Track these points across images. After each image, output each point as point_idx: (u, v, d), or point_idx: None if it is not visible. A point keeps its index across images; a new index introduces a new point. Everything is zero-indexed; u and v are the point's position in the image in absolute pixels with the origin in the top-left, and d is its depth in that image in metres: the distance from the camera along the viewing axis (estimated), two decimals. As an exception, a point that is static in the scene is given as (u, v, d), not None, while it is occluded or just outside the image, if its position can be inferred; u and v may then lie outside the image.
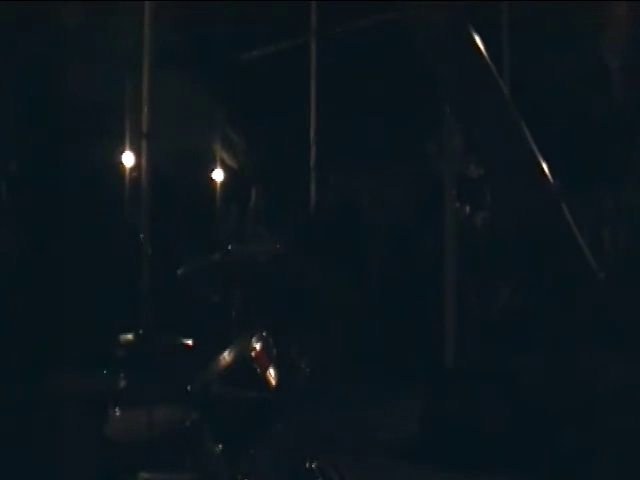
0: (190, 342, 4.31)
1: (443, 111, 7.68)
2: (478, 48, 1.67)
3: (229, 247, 4.25)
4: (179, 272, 4.30)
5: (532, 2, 9.25)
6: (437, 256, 8.39)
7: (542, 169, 1.73)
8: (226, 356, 3.98)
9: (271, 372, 3.98)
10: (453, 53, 1.66)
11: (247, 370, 3.92)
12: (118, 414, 3.88)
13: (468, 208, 10.16)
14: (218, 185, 11.82)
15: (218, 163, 11.81)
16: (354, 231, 10.65)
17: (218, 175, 11.80)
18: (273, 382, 3.97)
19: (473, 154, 7.80)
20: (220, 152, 11.82)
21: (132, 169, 10.24)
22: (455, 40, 1.65)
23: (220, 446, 3.79)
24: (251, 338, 4.04)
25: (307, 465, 3.92)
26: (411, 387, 7.36)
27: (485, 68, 1.65)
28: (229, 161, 11.97)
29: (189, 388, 3.86)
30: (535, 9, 9.14)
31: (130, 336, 4.25)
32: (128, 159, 10.37)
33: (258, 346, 4.01)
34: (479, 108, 1.69)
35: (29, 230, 8.26)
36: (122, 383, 4.07)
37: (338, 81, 10.99)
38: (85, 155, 9.06)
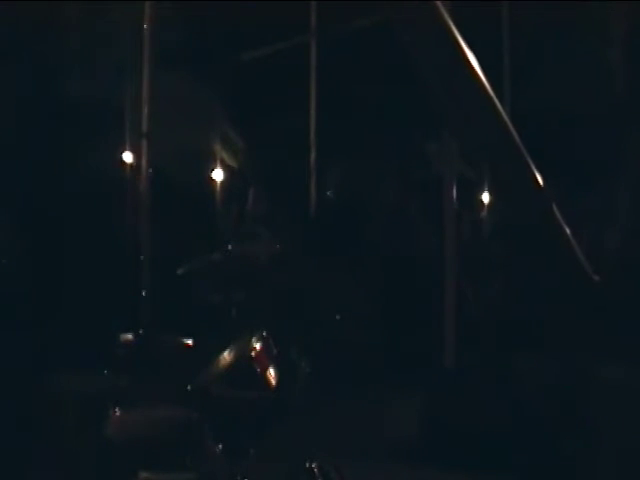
0: (190, 342, 4.31)
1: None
2: (463, 50, 1.66)
3: (229, 247, 4.25)
4: (179, 272, 4.30)
5: (532, 2, 9.25)
6: (437, 256, 8.40)
7: (534, 173, 1.73)
8: (226, 356, 3.98)
9: (271, 372, 3.98)
10: (437, 55, 1.66)
11: (247, 370, 3.92)
12: (118, 414, 3.88)
13: (467, 208, 10.16)
14: (218, 185, 11.82)
15: (218, 163, 11.80)
16: (354, 231, 10.65)
17: (218, 175, 11.81)
18: (273, 382, 3.97)
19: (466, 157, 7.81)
20: (220, 152, 11.81)
21: (132, 169, 10.23)
22: (440, 42, 1.65)
23: (220, 446, 3.80)
24: (251, 338, 4.04)
25: (307, 465, 3.92)
26: (411, 387, 7.35)
27: (472, 73, 1.65)
28: (229, 161, 11.97)
29: (189, 388, 3.86)
30: (535, 9, 9.15)
31: (130, 336, 4.25)
32: (128, 159, 10.37)
33: (258, 346, 4.01)
34: (467, 113, 1.69)
35: (29, 230, 8.26)
36: (122, 383, 4.07)
37: (338, 81, 10.99)
38: (85, 155, 9.06)
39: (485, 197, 10.60)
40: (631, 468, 5.14)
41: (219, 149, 11.78)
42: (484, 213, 10.66)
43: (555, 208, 1.75)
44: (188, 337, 4.34)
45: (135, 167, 9.86)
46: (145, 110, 8.35)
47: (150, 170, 8.60)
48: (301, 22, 11.23)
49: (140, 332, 4.27)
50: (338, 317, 8.97)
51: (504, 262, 8.72)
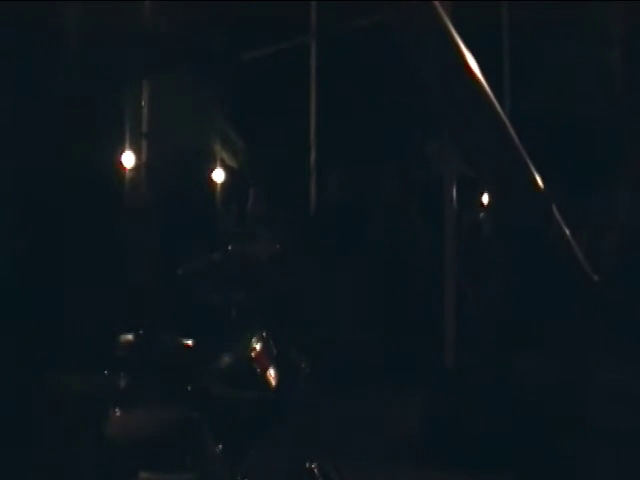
0: (190, 342, 4.31)
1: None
2: (460, 51, 1.66)
3: (229, 247, 4.25)
4: (179, 272, 4.30)
5: (532, 2, 9.25)
6: (437, 256, 8.40)
7: (533, 173, 1.73)
8: (226, 356, 3.98)
9: (271, 372, 3.98)
10: (436, 55, 1.66)
11: (247, 370, 3.92)
12: (118, 414, 3.88)
13: (467, 208, 10.16)
14: (218, 185, 11.81)
15: (218, 163, 11.80)
16: (354, 231, 10.65)
17: (218, 175, 11.80)
18: (273, 382, 3.97)
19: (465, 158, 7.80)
20: (220, 152, 11.80)
21: (132, 169, 10.23)
22: (438, 42, 1.64)
23: (220, 446, 3.79)
24: (251, 338, 4.04)
25: (307, 465, 3.92)
26: (411, 387, 7.35)
27: (470, 74, 1.65)
28: (229, 161, 11.96)
29: (189, 388, 3.86)
30: (535, 9, 9.14)
31: (130, 336, 4.25)
32: (128, 159, 10.36)
33: (258, 346, 4.01)
34: (466, 113, 1.69)
35: (29, 230, 8.26)
36: (122, 383, 4.07)
37: (338, 81, 10.99)
38: (85, 155, 9.06)
39: (485, 197, 10.59)
40: (631, 468, 5.14)
41: (219, 149, 11.77)
42: (484, 213, 10.65)
43: (555, 209, 1.75)
44: (188, 337, 4.34)
45: (135, 167, 9.86)
46: (145, 110, 8.35)
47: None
48: (301, 22, 11.23)
49: (140, 332, 4.27)
50: None
51: (504, 262, 8.72)
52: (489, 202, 10.36)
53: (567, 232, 1.82)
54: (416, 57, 1.72)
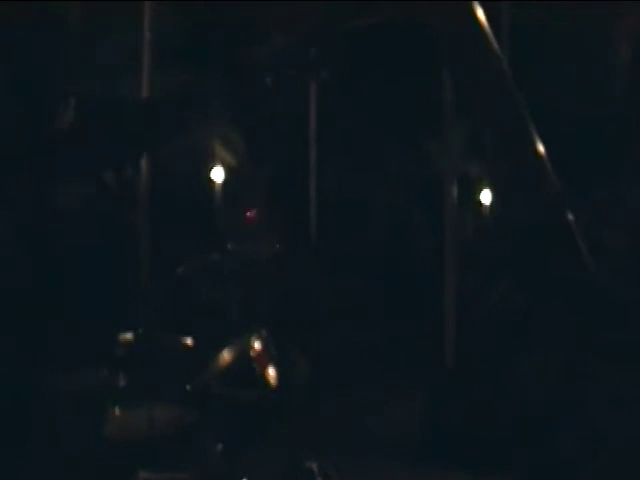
0: (190, 342, 4.32)
1: (443, 111, 7.72)
2: (490, 43, 1.67)
3: (229, 247, 4.26)
4: (179, 272, 4.31)
5: (532, 2, 9.25)
6: (437, 256, 8.40)
7: (547, 167, 1.74)
8: (226, 356, 3.98)
9: (271, 372, 3.98)
10: (466, 50, 1.66)
11: (247, 370, 3.92)
12: (118, 414, 3.88)
13: (467, 208, 10.17)
14: (218, 185, 11.80)
15: (218, 163, 11.78)
16: (354, 231, 10.65)
17: (218, 175, 11.79)
18: (273, 382, 3.97)
19: (479, 153, 7.81)
20: (220, 152, 11.79)
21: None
22: (467, 37, 1.65)
23: (220, 446, 3.80)
24: (251, 338, 4.05)
25: (307, 465, 3.92)
26: (411, 387, 7.35)
27: (499, 64, 1.66)
28: (229, 161, 11.95)
29: (189, 388, 3.86)
30: (535, 9, 9.15)
31: (130, 336, 4.25)
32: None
33: (258, 346, 4.01)
34: (491, 104, 1.70)
35: (29, 229, 8.26)
36: (122, 383, 4.07)
37: (338, 80, 10.99)
38: (85, 154, 9.06)
39: (486, 196, 10.60)
40: (631, 468, 5.13)
41: (219, 149, 11.76)
42: (485, 212, 10.67)
43: (565, 206, 1.75)
44: (188, 337, 4.34)
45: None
46: (145, 110, 8.35)
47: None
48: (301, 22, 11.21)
49: (140, 332, 4.27)
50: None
51: (505, 261, 8.72)
52: (491, 201, 10.37)
53: (575, 228, 1.82)
54: (451, 55, 1.72)
